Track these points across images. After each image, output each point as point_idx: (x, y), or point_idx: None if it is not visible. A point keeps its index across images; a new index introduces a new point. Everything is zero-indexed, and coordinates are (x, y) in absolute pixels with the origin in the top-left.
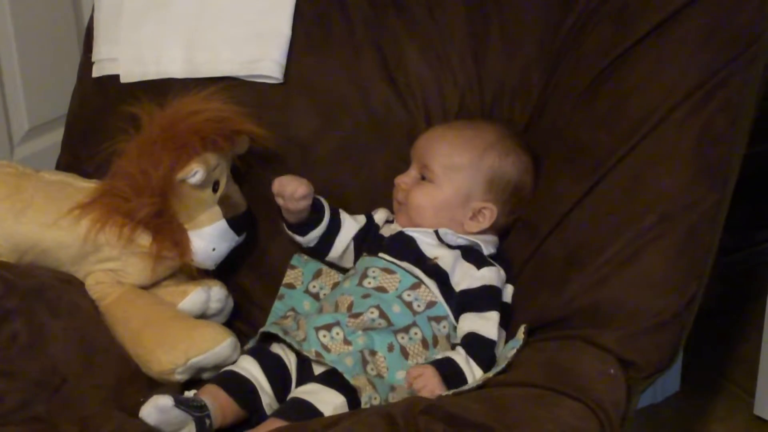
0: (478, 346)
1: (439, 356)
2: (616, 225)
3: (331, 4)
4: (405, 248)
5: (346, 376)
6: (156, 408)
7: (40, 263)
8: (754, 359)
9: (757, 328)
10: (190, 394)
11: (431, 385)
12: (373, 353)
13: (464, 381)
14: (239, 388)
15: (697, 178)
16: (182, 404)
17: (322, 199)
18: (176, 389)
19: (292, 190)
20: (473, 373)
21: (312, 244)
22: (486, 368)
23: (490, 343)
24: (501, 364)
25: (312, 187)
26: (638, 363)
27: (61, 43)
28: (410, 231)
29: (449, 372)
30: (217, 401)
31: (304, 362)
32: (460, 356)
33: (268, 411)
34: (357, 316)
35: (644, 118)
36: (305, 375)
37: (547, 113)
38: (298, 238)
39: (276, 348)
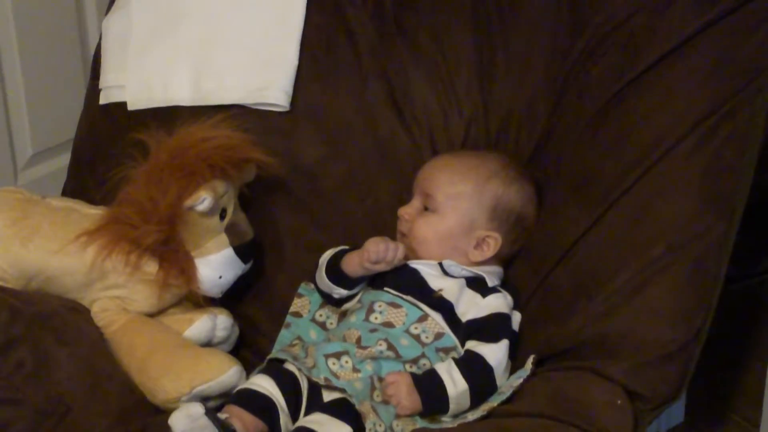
0: (473, 364)
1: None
2: (624, 255)
3: (338, 32)
4: (409, 281)
5: (353, 401)
6: (186, 415)
7: (46, 290)
8: (759, 390)
9: (761, 358)
10: (222, 415)
11: (399, 394)
12: (381, 379)
13: (443, 392)
14: (261, 405)
15: (704, 209)
16: (212, 416)
17: None
18: None
19: (393, 257)
20: (455, 385)
21: (345, 296)
22: (479, 390)
23: (487, 366)
24: (506, 393)
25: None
26: (645, 394)
27: (66, 69)
28: (414, 263)
29: (427, 381)
30: (242, 422)
31: (314, 387)
32: (442, 366)
33: (283, 429)
34: (365, 348)
35: (652, 148)
36: (315, 400)
37: (553, 141)
38: (342, 292)
39: (290, 366)
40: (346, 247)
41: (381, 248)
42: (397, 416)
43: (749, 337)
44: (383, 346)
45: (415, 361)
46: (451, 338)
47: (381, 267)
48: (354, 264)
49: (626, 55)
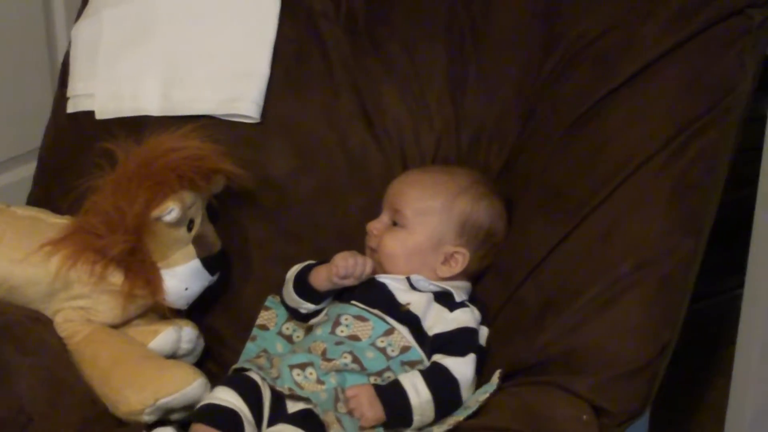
0: (437, 375)
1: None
2: (592, 272)
3: (310, 44)
4: (377, 295)
5: (318, 410)
6: None
7: (9, 300)
8: (722, 406)
9: (725, 375)
10: None
11: (362, 407)
12: (345, 391)
13: (406, 402)
14: (227, 420)
15: (673, 226)
16: None
17: None
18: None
19: (361, 272)
20: (419, 395)
21: (312, 311)
22: (444, 403)
23: (452, 379)
24: (472, 407)
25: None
26: (611, 410)
27: (33, 77)
28: (382, 278)
29: (390, 391)
30: None
31: (278, 398)
32: (406, 377)
33: None
34: (330, 360)
35: (621, 166)
36: (279, 412)
37: (524, 157)
38: (310, 306)
39: (253, 376)
40: (313, 261)
41: (350, 263)
42: (362, 428)
43: (713, 354)
44: (348, 359)
45: (379, 374)
46: (417, 352)
47: (349, 282)
48: (322, 278)
49: (599, 71)
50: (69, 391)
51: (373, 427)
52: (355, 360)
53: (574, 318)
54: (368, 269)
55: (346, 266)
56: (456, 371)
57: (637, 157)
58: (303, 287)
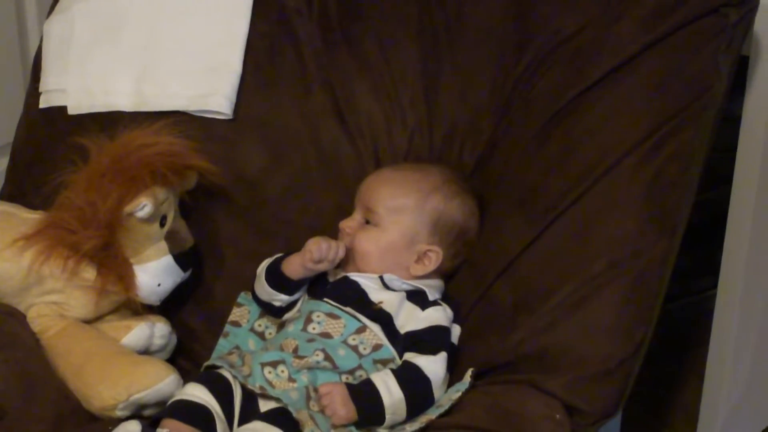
0: (409, 373)
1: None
2: (565, 270)
3: (283, 40)
4: (349, 293)
5: (290, 409)
6: None
7: None
8: (695, 407)
9: (698, 375)
10: (161, 431)
11: (334, 405)
12: (316, 390)
13: (378, 400)
14: (198, 416)
15: (646, 225)
16: None
17: None
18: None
19: (334, 255)
20: (390, 393)
21: (285, 304)
22: (417, 402)
23: (424, 377)
24: (445, 406)
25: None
26: (584, 409)
27: (5, 72)
28: (354, 276)
29: (362, 390)
30: None
31: (249, 396)
32: (378, 375)
33: None
34: (302, 358)
35: (596, 164)
36: (250, 410)
37: (497, 155)
38: (284, 297)
39: (224, 373)
40: (281, 254)
41: (323, 247)
42: (334, 426)
43: (687, 354)
44: (320, 357)
45: (351, 372)
46: (389, 350)
47: (323, 266)
48: (295, 265)
49: (572, 70)
50: (42, 386)
51: (345, 425)
52: (327, 358)
53: (548, 316)
54: (341, 253)
55: (319, 249)
56: (428, 370)
57: (611, 156)
58: (276, 278)
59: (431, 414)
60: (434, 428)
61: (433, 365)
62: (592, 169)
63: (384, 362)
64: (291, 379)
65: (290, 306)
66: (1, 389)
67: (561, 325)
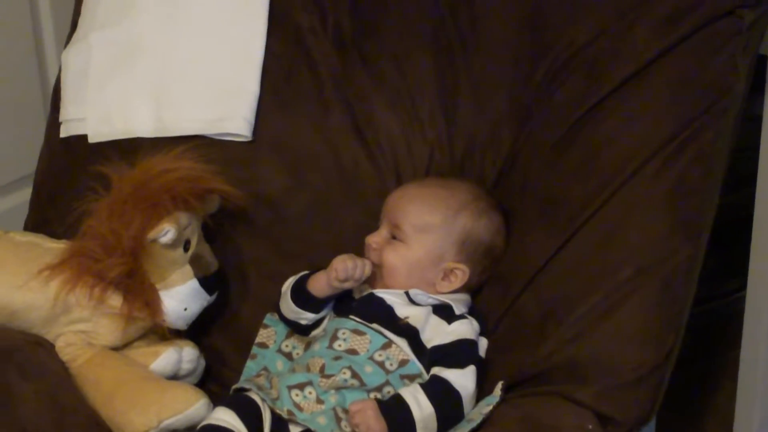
0: (438, 388)
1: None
2: (591, 279)
3: (299, 61)
4: (375, 309)
5: None
6: None
7: (9, 325)
8: (729, 410)
9: (731, 378)
10: None
11: (366, 423)
12: (345, 411)
13: (409, 415)
14: None
15: (671, 231)
16: None
17: None
18: None
19: (360, 274)
20: (421, 408)
21: (312, 322)
22: (447, 416)
23: (453, 391)
24: (476, 420)
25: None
26: (617, 418)
27: (26, 103)
28: (380, 292)
29: (392, 405)
30: None
31: (279, 419)
32: (408, 390)
33: None
34: (329, 377)
35: (617, 171)
36: None
37: (518, 167)
38: (310, 316)
39: (254, 396)
40: (307, 272)
41: (349, 265)
42: None
43: (719, 357)
44: (347, 375)
45: (379, 389)
46: (416, 365)
47: (349, 285)
48: (321, 283)
49: (589, 79)
50: (73, 415)
51: None
52: (354, 375)
53: (576, 326)
54: (367, 271)
55: (345, 268)
56: (457, 384)
57: (632, 163)
58: (302, 296)
59: (463, 429)
60: None
61: (461, 379)
62: (613, 177)
63: (411, 377)
64: (319, 401)
65: (316, 324)
66: (32, 420)
67: (590, 334)
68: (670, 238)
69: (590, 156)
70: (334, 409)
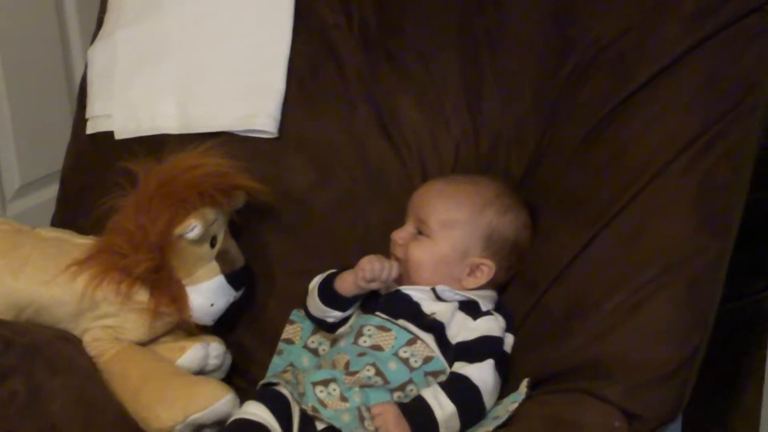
0: (458, 385)
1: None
2: (618, 276)
3: (325, 57)
4: (401, 306)
5: (345, 430)
6: None
7: (37, 321)
8: (755, 409)
9: (757, 377)
10: None
11: (386, 425)
12: (369, 410)
13: (431, 417)
14: None
15: (699, 228)
16: None
17: None
18: None
19: (387, 275)
20: (443, 408)
21: (338, 320)
22: (469, 412)
23: (473, 386)
24: (502, 417)
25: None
26: (643, 415)
27: (52, 100)
28: (407, 289)
29: (414, 408)
30: None
31: (306, 416)
32: (428, 392)
33: None
34: (353, 374)
35: (644, 168)
36: (308, 428)
37: (544, 164)
38: (337, 314)
39: (283, 390)
40: (334, 270)
41: (376, 267)
42: None
43: (745, 356)
44: (371, 372)
45: (402, 388)
46: (440, 361)
47: (375, 285)
48: (348, 283)
49: (616, 75)
50: (100, 410)
51: None
52: (378, 372)
53: (602, 324)
54: (394, 273)
55: (372, 269)
56: (476, 378)
57: (660, 159)
58: (329, 295)
59: (489, 426)
60: None
61: (480, 373)
62: (640, 174)
63: (435, 374)
64: (343, 398)
65: (343, 321)
66: (60, 414)
67: (616, 331)
68: (697, 235)
69: (617, 153)
70: (358, 408)
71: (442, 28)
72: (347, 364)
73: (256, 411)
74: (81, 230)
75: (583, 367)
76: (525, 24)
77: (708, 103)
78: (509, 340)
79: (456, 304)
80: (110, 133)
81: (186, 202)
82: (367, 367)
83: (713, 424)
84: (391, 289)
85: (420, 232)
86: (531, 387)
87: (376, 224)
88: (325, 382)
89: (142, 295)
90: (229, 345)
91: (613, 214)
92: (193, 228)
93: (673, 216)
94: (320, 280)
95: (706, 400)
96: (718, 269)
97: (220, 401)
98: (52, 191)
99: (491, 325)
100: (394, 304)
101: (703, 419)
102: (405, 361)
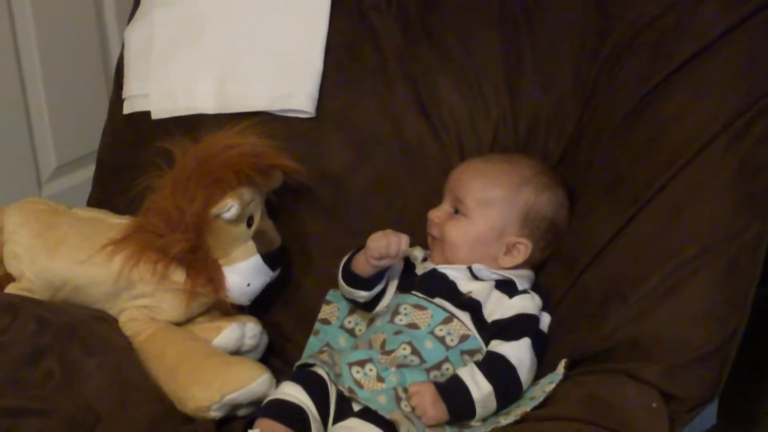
0: (494, 364)
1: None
2: (657, 257)
3: (363, 37)
4: (438, 284)
5: (381, 413)
6: None
7: (73, 300)
8: None
9: None
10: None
11: (423, 404)
12: (405, 391)
13: (468, 396)
14: (292, 415)
15: (738, 208)
16: None
17: None
18: (211, 427)
19: (396, 250)
20: (479, 388)
21: (370, 299)
22: (506, 391)
23: (509, 365)
24: (539, 398)
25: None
26: (681, 396)
27: (88, 81)
28: (443, 268)
29: (451, 388)
30: None
31: (342, 397)
32: (465, 371)
33: None
34: (389, 353)
35: (683, 148)
36: (346, 407)
37: (583, 144)
38: (363, 293)
39: (319, 371)
40: (354, 250)
41: (382, 244)
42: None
43: None
44: (407, 350)
45: (438, 367)
46: (476, 340)
47: (387, 262)
48: (362, 263)
49: (656, 55)
50: (136, 390)
51: (436, 424)
52: (414, 351)
53: (640, 304)
54: (404, 245)
55: (378, 248)
56: (512, 357)
57: (699, 140)
58: (348, 276)
59: (526, 406)
60: (529, 420)
61: (516, 352)
62: (679, 154)
63: (471, 353)
64: (379, 378)
65: (376, 300)
66: (95, 394)
67: (654, 312)
68: (737, 216)
69: (656, 133)
70: (394, 389)
71: (482, 6)
72: (383, 343)
73: (292, 392)
74: (117, 210)
75: (621, 348)
76: (565, 3)
77: (748, 82)
78: (545, 320)
79: (492, 283)
80: (147, 113)
81: (223, 181)
82: (403, 346)
83: (749, 406)
84: (427, 269)
85: (457, 211)
86: (569, 367)
87: (414, 204)
88: (362, 363)
89: (178, 275)
90: (266, 325)
91: (653, 193)
92: (230, 208)
93: (711, 197)
94: (344, 261)
95: (742, 382)
96: (758, 250)
97: (256, 381)
98: (88, 172)
99: (527, 303)
100: (430, 283)
101: (739, 401)
102: (441, 340)
